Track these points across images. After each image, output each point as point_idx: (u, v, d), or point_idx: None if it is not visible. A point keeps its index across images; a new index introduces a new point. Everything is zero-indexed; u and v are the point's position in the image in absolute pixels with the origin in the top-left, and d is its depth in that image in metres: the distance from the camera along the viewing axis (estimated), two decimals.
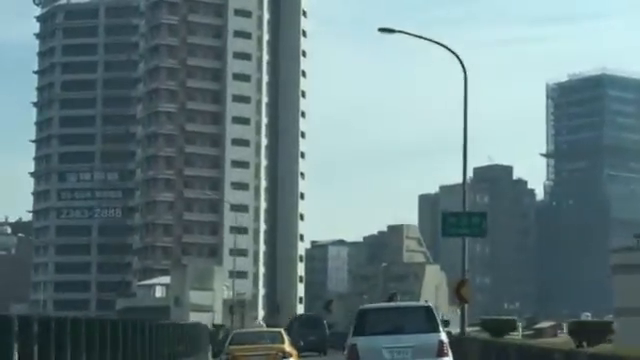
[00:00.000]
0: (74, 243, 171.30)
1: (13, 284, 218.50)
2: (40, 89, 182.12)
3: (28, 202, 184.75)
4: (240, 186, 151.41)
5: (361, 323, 21.25)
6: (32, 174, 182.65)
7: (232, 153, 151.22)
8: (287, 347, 30.39)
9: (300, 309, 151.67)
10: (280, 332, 32.65)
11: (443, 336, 21.10)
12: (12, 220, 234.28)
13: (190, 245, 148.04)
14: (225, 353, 30.44)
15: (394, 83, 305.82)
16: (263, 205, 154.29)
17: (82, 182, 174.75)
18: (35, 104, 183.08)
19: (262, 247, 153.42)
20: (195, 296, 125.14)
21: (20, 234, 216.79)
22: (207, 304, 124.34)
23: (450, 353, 21.04)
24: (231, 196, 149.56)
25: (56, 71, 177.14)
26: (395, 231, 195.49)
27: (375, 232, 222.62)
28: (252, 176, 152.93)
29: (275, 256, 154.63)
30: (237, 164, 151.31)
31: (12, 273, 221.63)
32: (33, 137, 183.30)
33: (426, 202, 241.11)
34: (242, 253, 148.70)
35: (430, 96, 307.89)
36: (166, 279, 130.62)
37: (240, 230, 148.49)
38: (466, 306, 34.52)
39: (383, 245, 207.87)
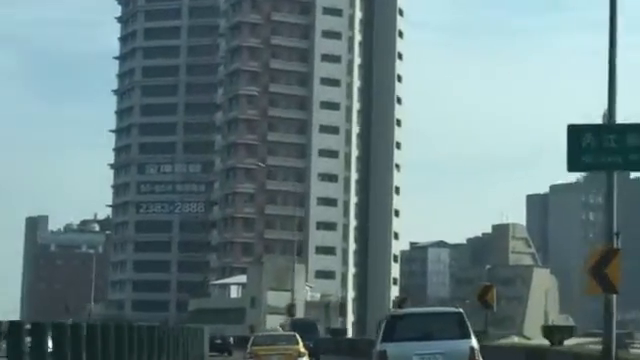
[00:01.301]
0: (154, 240, 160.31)
1: (96, 283, 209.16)
2: (121, 76, 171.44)
3: (109, 196, 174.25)
4: (328, 177, 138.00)
5: (390, 329, 20.85)
6: (111, 166, 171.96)
7: (320, 141, 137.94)
8: (301, 348, 33.97)
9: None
10: (295, 335, 36.06)
11: (474, 342, 20.45)
12: (101, 217, 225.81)
13: (272, 241, 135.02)
14: (248, 352, 33.89)
15: (498, 84, 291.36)
16: (353, 199, 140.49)
17: (163, 174, 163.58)
18: (115, 92, 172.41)
19: (352, 245, 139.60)
20: (273, 297, 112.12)
21: (108, 231, 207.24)
22: (284, 304, 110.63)
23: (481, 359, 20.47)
24: (318, 188, 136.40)
25: (137, 56, 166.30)
26: (500, 231, 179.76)
27: (479, 234, 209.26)
28: (342, 167, 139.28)
29: (367, 255, 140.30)
30: (325, 153, 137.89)
31: (97, 272, 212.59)
32: (114, 126, 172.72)
33: (534, 203, 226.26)
34: (330, 251, 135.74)
35: (535, 96, 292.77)
36: (243, 278, 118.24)
37: (328, 226, 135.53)
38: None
39: (487, 247, 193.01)
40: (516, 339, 62.12)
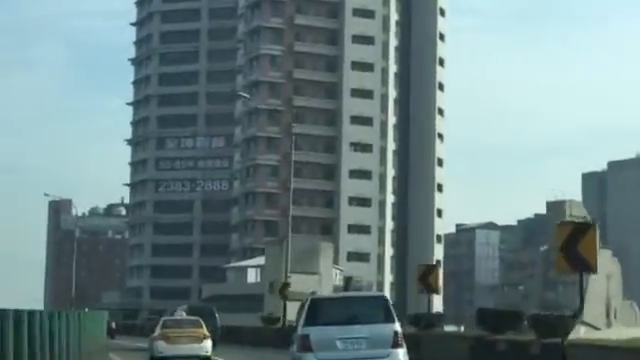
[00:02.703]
0: (174, 221, 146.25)
1: (116, 270, 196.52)
2: (138, 43, 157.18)
3: (127, 175, 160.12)
4: (362, 147, 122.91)
5: (313, 313, 20.43)
6: (129, 141, 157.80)
7: (352, 106, 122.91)
8: (205, 331, 37.07)
9: (438, 301, 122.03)
10: (199, 320, 38.68)
11: (398, 327, 20.48)
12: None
13: (298, 219, 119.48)
14: (159, 334, 36.62)
15: (554, 65, 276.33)
16: (390, 171, 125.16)
17: (183, 149, 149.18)
18: (133, 61, 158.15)
19: (389, 223, 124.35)
20: (296, 281, 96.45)
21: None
22: (311, 291, 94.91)
23: (405, 344, 20.55)
24: (350, 159, 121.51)
25: (154, 20, 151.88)
26: (556, 209, 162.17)
27: (530, 215, 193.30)
28: (377, 135, 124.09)
29: (406, 235, 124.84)
30: (358, 120, 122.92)
31: (119, 258, 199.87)
32: (131, 99, 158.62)
33: (591, 181, 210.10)
34: (364, 230, 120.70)
35: (588, 80, 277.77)
36: (261, 260, 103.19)
37: (362, 201, 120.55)
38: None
39: (541, 228, 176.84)
40: (583, 331, 47.60)
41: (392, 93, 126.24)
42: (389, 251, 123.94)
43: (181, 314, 46.46)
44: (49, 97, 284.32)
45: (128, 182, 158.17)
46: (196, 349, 36.05)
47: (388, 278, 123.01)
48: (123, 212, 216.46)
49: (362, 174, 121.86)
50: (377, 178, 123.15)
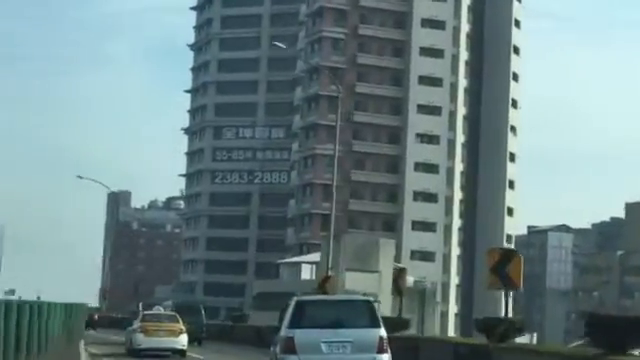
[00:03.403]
0: (230, 214, 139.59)
1: (174, 264, 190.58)
2: (198, 27, 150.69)
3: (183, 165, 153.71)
4: (428, 138, 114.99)
5: (298, 315, 20.14)
6: (185, 130, 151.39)
7: (418, 94, 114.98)
8: (181, 326, 38.37)
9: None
10: (175, 315, 40.64)
11: (383, 332, 20.24)
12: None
13: (359, 214, 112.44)
14: (139, 327, 37.90)
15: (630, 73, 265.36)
16: (459, 166, 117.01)
17: (241, 139, 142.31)
18: (191, 46, 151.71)
19: (456, 221, 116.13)
20: (353, 279, 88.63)
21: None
22: (369, 291, 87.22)
23: (389, 350, 20.35)
24: (416, 151, 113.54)
25: (215, 4, 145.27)
26: (634, 211, 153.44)
27: (606, 218, 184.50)
28: (445, 126, 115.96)
29: (474, 233, 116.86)
30: (425, 109, 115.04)
31: (177, 252, 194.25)
32: (189, 86, 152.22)
33: None
34: (429, 227, 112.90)
35: None
36: (316, 256, 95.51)
37: (427, 197, 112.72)
38: None
39: (617, 232, 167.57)
40: None
41: (462, 82, 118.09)
42: (455, 251, 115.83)
43: (159, 309, 47.44)
44: (118, 92, 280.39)
45: (184, 173, 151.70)
46: (173, 342, 37.71)
47: (454, 280, 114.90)
48: (182, 205, 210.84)
49: (428, 167, 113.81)
50: (444, 172, 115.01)
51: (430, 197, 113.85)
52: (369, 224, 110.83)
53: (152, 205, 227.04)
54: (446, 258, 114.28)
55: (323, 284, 42.37)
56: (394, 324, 35.57)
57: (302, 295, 23.83)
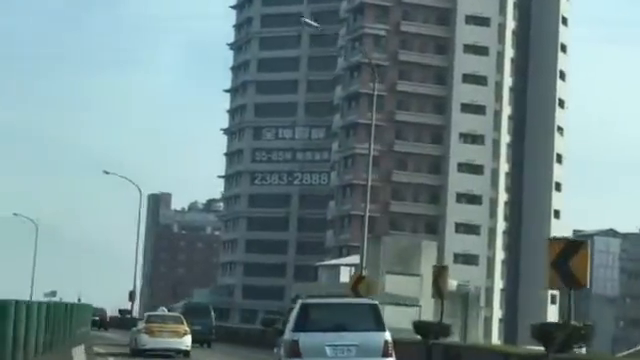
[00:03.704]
0: (269, 216, 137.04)
1: (213, 267, 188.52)
2: (237, 26, 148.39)
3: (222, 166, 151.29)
4: (472, 138, 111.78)
5: (303, 318, 20.12)
6: (225, 131, 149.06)
7: (462, 93, 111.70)
8: (186, 327, 39.02)
9: (552, 311, 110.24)
10: (180, 316, 41.50)
11: (388, 336, 20.15)
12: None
13: (400, 216, 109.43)
14: (144, 327, 38.56)
15: None
16: (504, 166, 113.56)
17: (281, 140, 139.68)
18: (231, 45, 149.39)
19: (501, 223, 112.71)
20: (393, 282, 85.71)
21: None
22: (410, 295, 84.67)
23: (394, 354, 20.18)
24: (459, 151, 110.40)
25: (255, 3, 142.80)
26: None
27: None
28: (489, 125, 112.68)
29: (519, 237, 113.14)
30: (469, 108, 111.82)
31: (217, 255, 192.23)
32: (228, 86, 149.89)
33: None
34: (472, 230, 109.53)
35: None
36: (356, 259, 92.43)
37: (471, 199, 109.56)
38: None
39: None
40: None
41: (508, 80, 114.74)
42: (500, 254, 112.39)
43: (163, 310, 47.40)
44: (161, 94, 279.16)
45: (223, 174, 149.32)
46: (177, 343, 38.27)
47: (498, 284, 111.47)
48: (222, 208, 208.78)
49: (472, 168, 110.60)
50: (489, 173, 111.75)
51: (474, 199, 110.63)
52: (411, 226, 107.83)
53: (192, 207, 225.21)
54: (490, 262, 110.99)
55: (356, 285, 39.29)
56: (434, 330, 32.61)
57: (307, 298, 22.60)
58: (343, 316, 20.12)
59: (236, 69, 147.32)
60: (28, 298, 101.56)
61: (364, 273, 43.19)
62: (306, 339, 19.64)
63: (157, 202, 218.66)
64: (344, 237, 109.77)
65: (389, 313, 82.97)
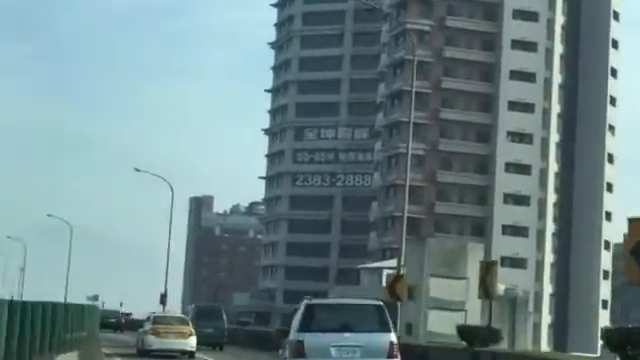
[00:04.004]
0: (311, 218, 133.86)
1: (256, 271, 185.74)
2: (278, 25, 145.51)
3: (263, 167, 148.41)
4: (520, 137, 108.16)
5: (308, 318, 20.11)
6: (266, 131, 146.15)
7: (510, 90, 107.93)
8: (191, 328, 39.93)
9: (604, 315, 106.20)
10: (185, 318, 42.84)
11: (393, 337, 20.12)
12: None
13: (446, 217, 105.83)
14: (150, 329, 39.48)
15: None
16: (553, 166, 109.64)
17: (323, 140, 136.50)
18: (272, 44, 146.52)
19: (550, 225, 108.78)
20: (438, 286, 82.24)
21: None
22: (456, 299, 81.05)
23: (399, 355, 20.03)
24: (507, 150, 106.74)
25: (296, 1, 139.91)
26: None
27: None
28: (538, 124, 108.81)
29: (569, 239, 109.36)
30: (517, 106, 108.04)
31: (259, 258, 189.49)
32: (270, 85, 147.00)
33: None
34: (520, 232, 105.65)
35: None
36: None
37: (519, 199, 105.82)
38: None
39: None
40: None
41: (557, 77, 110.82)
42: (549, 257, 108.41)
43: (167, 311, 49.55)
44: (204, 97, 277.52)
45: (264, 175, 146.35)
46: (182, 344, 39.05)
47: (547, 288, 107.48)
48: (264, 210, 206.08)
49: (520, 168, 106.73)
50: (537, 173, 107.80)
51: (522, 200, 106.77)
52: (457, 228, 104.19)
53: (234, 210, 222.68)
54: (539, 265, 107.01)
55: (393, 284, 35.93)
56: (481, 335, 29.18)
57: (311, 299, 21.81)
58: (348, 317, 19.99)
59: (277, 68, 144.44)
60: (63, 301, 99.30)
61: (402, 272, 39.54)
62: (311, 339, 19.61)
63: (199, 205, 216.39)
64: (387, 239, 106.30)
65: (433, 318, 79.37)
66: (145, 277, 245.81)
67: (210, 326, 47.80)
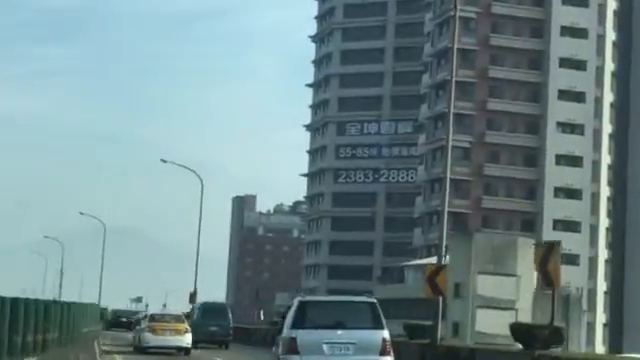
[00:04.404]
0: (354, 215, 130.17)
1: (300, 270, 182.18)
2: (319, 18, 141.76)
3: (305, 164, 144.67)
4: (571, 128, 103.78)
5: (301, 315, 20.11)
6: (307, 127, 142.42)
7: (559, 78, 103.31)
8: (186, 326, 41.07)
9: None
10: (181, 315, 43.52)
11: (386, 334, 19.96)
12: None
13: (494, 212, 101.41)
14: (147, 326, 40.35)
15: None
16: (606, 158, 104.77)
17: (366, 135, 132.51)
18: (313, 38, 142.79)
19: (603, 220, 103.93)
20: (486, 283, 78.05)
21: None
22: (506, 297, 76.87)
23: (392, 352, 20.02)
24: (557, 141, 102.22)
25: None
26: None
27: None
28: (589, 114, 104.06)
29: (624, 234, 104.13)
30: (567, 95, 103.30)
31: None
32: (311, 80, 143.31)
33: None
34: (572, 227, 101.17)
35: None
36: (446, 259, 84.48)
37: (570, 193, 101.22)
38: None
39: None
40: None
41: (609, 65, 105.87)
42: (603, 254, 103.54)
43: (165, 309, 50.31)
44: (258, 103, 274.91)
45: (305, 172, 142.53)
46: (178, 341, 39.86)
47: (602, 286, 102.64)
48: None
49: (571, 160, 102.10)
50: (589, 165, 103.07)
51: (573, 193, 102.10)
52: (505, 223, 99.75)
53: (278, 209, 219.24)
54: (592, 262, 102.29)
55: (433, 277, 31.67)
56: (540, 336, 24.85)
57: (304, 296, 21.96)
58: (341, 314, 19.94)
59: (318, 62, 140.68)
60: (97, 301, 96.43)
61: (444, 262, 35.23)
62: (304, 336, 19.55)
63: (241, 204, 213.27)
64: (432, 235, 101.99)
65: (481, 317, 74.83)
66: (190, 277, 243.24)
67: (215, 325, 47.83)
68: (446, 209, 31.08)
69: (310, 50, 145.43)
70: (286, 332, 19.99)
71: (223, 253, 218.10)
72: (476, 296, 76.64)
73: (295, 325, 19.76)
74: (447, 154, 37.35)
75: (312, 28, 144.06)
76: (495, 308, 74.58)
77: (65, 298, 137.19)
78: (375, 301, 20.42)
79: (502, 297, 74.79)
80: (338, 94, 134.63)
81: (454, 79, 34.38)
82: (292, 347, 19.59)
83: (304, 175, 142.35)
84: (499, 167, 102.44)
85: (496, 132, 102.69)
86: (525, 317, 76.79)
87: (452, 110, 42.83)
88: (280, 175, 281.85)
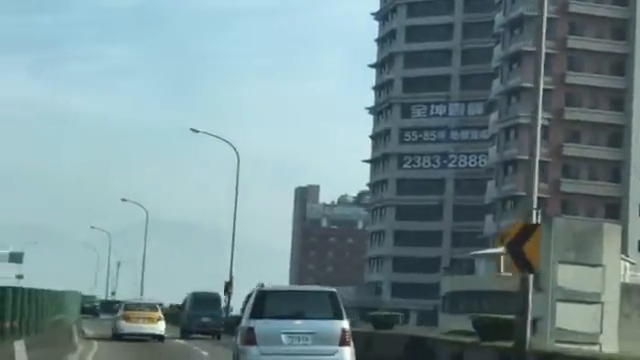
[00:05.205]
0: (420, 203, 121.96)
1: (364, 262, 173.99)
2: None
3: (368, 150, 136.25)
4: None
5: (259, 305, 19.84)
6: (370, 110, 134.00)
7: None
8: (160, 314, 43.64)
9: None
10: (155, 304, 45.70)
11: (346, 324, 19.75)
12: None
13: (574, 197, 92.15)
14: (121, 315, 43.61)
15: None
16: None
17: (433, 118, 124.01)
18: (376, 15, 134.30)
19: None
20: (567, 274, 68.91)
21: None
22: (590, 290, 68.39)
23: (352, 342, 19.76)
24: None
25: None
26: None
27: None
28: None
29: None
30: None
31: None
32: (374, 60, 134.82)
33: None
34: None
35: None
36: None
37: None
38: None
39: None
40: None
41: None
42: None
43: (141, 298, 50.94)
44: (326, 100, 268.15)
45: (368, 158, 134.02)
46: (151, 328, 42.77)
47: None
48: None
49: None
50: None
51: None
52: (587, 209, 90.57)
53: (342, 200, 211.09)
54: None
55: (519, 241, 22.53)
56: None
57: (263, 285, 20.45)
58: (300, 304, 19.90)
59: (381, 41, 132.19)
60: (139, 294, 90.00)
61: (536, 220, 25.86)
62: (261, 326, 19.40)
63: (304, 195, 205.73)
64: (506, 222, 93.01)
65: (561, 311, 65.17)
66: (254, 269, 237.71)
67: (207, 315, 47.62)
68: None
69: (373, 29, 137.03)
70: (244, 322, 19.78)
71: (287, 246, 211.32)
72: (556, 288, 67.93)
73: (253, 315, 19.47)
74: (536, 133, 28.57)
75: (375, 5, 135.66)
76: (578, 302, 65.89)
77: (120, 291, 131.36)
78: (335, 291, 19.95)
79: (585, 290, 66.16)
80: (403, 74, 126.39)
81: (544, 39, 26.14)
82: (250, 337, 19.34)
83: (366, 161, 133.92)
84: (580, 147, 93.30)
85: (576, 108, 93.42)
86: (612, 311, 68.04)
87: (541, 76, 34.02)
88: (344, 166, 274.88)
